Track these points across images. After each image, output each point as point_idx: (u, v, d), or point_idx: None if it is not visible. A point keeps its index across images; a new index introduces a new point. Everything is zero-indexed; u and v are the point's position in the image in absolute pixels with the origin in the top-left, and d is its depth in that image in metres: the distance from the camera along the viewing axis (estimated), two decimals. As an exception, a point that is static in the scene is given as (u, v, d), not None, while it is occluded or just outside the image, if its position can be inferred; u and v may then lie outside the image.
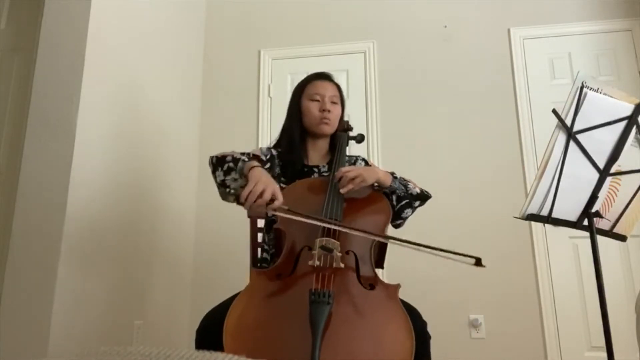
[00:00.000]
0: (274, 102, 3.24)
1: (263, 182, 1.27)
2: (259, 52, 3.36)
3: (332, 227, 1.27)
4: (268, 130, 3.18)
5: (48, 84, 2.04)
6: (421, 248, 1.18)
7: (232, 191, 1.44)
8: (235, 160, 1.43)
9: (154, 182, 2.64)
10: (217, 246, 3.01)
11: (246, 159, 1.42)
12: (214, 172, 1.49)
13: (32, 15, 2.29)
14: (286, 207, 1.27)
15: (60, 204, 1.91)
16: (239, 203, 1.52)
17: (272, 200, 1.26)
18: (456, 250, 1.13)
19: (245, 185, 1.29)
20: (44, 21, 2.11)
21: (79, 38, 2.07)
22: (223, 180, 1.44)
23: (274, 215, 1.43)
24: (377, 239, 1.31)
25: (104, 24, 2.19)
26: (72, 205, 1.94)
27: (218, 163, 1.47)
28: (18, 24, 2.37)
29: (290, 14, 3.41)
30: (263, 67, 3.33)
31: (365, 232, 1.26)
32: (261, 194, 1.24)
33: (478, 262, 1.12)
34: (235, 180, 1.41)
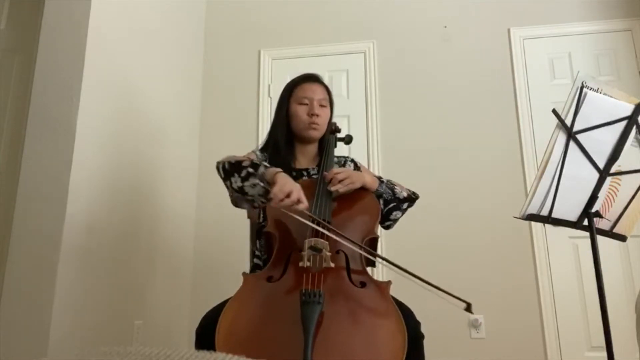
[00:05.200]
0: (274, 102, 3.23)
1: (291, 184, 1.28)
2: (259, 52, 3.36)
3: (317, 227, 1.27)
4: (268, 130, 3.18)
5: (48, 84, 2.04)
6: (414, 279, 1.17)
7: (251, 197, 1.37)
8: (255, 165, 1.37)
9: (154, 182, 2.64)
10: (217, 246, 3.01)
11: (267, 165, 1.39)
12: (227, 179, 1.41)
13: (32, 15, 2.29)
14: (309, 213, 1.28)
15: (60, 204, 1.91)
16: (254, 207, 1.49)
17: (298, 202, 1.26)
18: (451, 291, 1.14)
19: (267, 190, 1.30)
20: (44, 21, 2.11)
21: (79, 38, 2.07)
22: (241, 187, 1.36)
23: (264, 221, 1.43)
24: (363, 253, 1.31)
25: (104, 24, 2.19)
26: (72, 205, 1.93)
27: (233, 169, 1.39)
28: (18, 24, 2.37)
29: (290, 14, 3.41)
30: (263, 67, 3.33)
31: (352, 241, 1.26)
32: (289, 195, 1.25)
33: (468, 308, 1.13)
34: (254, 186, 1.34)
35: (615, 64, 3.01)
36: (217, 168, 1.46)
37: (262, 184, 1.32)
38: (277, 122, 1.71)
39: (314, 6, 3.39)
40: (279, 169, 1.36)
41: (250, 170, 1.36)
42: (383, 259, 1.27)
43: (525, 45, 3.13)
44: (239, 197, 1.44)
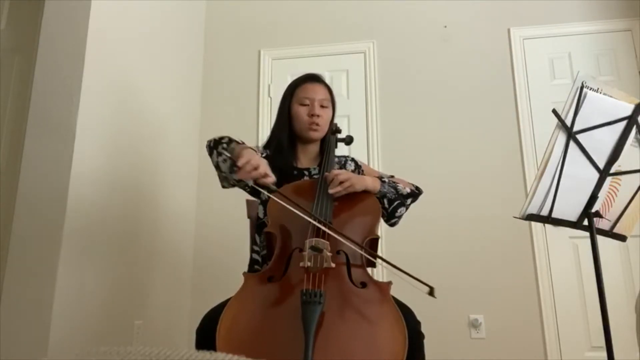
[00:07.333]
0: (274, 102, 3.24)
1: (258, 157, 1.30)
2: (259, 52, 3.36)
3: (317, 224, 1.28)
4: (268, 130, 3.17)
5: (48, 84, 2.04)
6: (386, 265, 1.21)
7: (224, 174, 1.42)
8: (230, 141, 1.42)
9: (154, 182, 2.64)
10: (217, 246, 3.01)
11: (241, 142, 1.42)
12: (210, 156, 1.46)
13: (32, 15, 2.29)
14: (275, 188, 1.31)
15: (60, 203, 1.91)
16: (230, 184, 1.54)
17: (265, 176, 1.29)
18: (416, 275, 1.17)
19: (234, 163, 1.31)
20: (44, 21, 2.11)
21: (79, 38, 2.08)
22: (217, 163, 1.42)
23: (265, 219, 1.45)
24: (364, 254, 1.30)
25: (104, 24, 2.19)
26: (72, 205, 1.94)
27: (214, 146, 1.44)
28: (18, 24, 2.37)
29: (290, 14, 3.41)
30: (263, 67, 3.33)
31: (353, 241, 1.26)
32: (256, 168, 1.27)
33: (431, 292, 1.15)
34: (225, 161, 1.38)
35: (615, 64, 3.01)
36: (206, 147, 1.51)
37: (228, 154, 1.34)
38: (278, 122, 1.71)
39: (314, 6, 3.39)
40: (249, 147, 1.39)
41: (225, 146, 1.40)
42: (383, 260, 1.26)
43: (525, 45, 3.13)
44: (219, 175, 1.49)
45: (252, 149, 1.42)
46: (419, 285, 1.15)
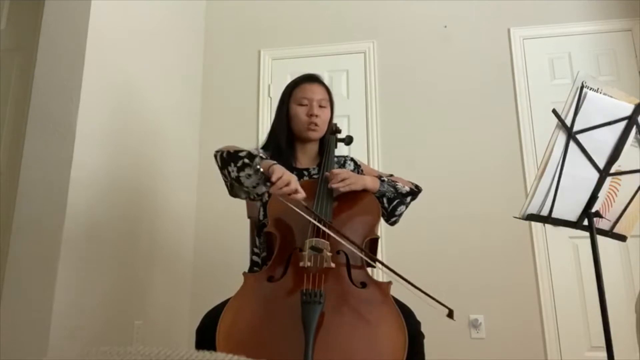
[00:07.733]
0: (274, 102, 3.23)
1: (289, 174, 1.31)
2: (259, 52, 3.36)
3: (317, 224, 1.28)
4: (268, 130, 3.19)
5: (48, 84, 2.04)
6: (403, 282, 1.18)
7: (246, 188, 1.40)
8: (251, 156, 1.38)
9: (154, 182, 2.64)
10: (217, 246, 3.01)
11: (263, 157, 1.41)
12: (224, 168, 1.42)
13: (32, 15, 2.29)
14: (305, 204, 1.30)
15: (60, 204, 1.91)
16: (250, 198, 1.55)
17: (296, 192, 1.30)
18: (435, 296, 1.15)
19: (260, 181, 1.33)
20: (44, 21, 2.11)
21: (79, 38, 2.07)
22: (238, 177, 1.38)
23: (265, 220, 1.45)
24: (363, 256, 1.30)
25: (103, 24, 2.19)
26: (72, 205, 1.94)
27: (230, 159, 1.41)
28: (18, 24, 2.37)
29: (290, 14, 3.41)
30: (263, 67, 3.33)
31: (352, 242, 1.26)
32: (288, 184, 1.28)
33: (450, 314, 1.15)
34: (248, 176, 1.36)
35: (615, 64, 3.01)
36: (215, 156, 1.48)
37: (257, 174, 1.34)
38: (277, 122, 1.71)
39: (314, 6, 3.39)
40: (274, 161, 1.37)
41: (247, 161, 1.37)
42: (381, 263, 1.26)
43: (525, 45, 3.13)
44: (236, 187, 1.47)
45: (272, 160, 1.42)
46: (438, 307, 1.14)
